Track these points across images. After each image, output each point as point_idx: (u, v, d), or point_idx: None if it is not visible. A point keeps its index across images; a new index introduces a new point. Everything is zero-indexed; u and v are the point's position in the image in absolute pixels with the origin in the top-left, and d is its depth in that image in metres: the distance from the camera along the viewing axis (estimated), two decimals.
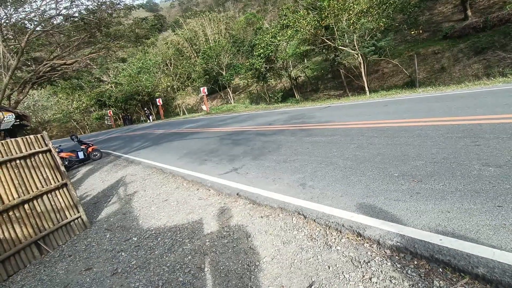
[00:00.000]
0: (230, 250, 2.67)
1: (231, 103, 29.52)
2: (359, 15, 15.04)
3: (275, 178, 4.20)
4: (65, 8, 10.03)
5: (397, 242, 2.11)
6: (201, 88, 24.31)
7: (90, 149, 10.53)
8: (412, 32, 19.32)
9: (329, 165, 4.14)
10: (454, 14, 20.52)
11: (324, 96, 21.72)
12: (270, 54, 21.56)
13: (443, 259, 1.84)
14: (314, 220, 2.76)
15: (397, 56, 18.80)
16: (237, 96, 33.61)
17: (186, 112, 34.01)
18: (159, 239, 3.28)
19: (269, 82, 26.46)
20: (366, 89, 15.54)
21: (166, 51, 39.38)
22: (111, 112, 37.08)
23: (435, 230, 2.14)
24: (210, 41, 39.23)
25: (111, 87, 39.14)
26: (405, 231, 2.20)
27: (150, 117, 34.77)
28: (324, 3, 15.10)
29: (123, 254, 3.18)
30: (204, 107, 26.69)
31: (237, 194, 3.98)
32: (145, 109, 36.14)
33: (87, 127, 42.40)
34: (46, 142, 4.02)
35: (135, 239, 3.43)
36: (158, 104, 31.24)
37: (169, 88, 35.00)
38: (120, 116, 40.30)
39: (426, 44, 18.99)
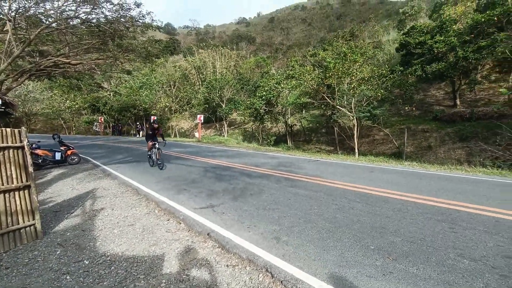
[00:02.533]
0: None
1: (224, 135, 29.68)
2: (360, 81, 15.96)
3: (251, 225, 4.04)
4: (84, 12, 10.32)
5: None
6: (198, 115, 24.55)
7: (69, 152, 10.15)
8: (406, 108, 20.49)
9: (307, 222, 4.03)
10: (445, 99, 22.00)
11: (315, 148, 22.11)
12: (272, 98, 22.27)
13: None
14: (281, 282, 2.58)
15: (389, 126, 19.63)
16: (232, 130, 33.92)
17: (178, 135, 33.88)
18: (112, 268, 3.00)
19: (265, 124, 26.98)
20: (356, 150, 15.93)
21: (173, 73, 40.33)
22: (102, 119, 36.60)
23: None
24: (217, 73, 40.56)
25: (110, 94, 39.16)
26: None
27: (140, 132, 34.40)
28: (330, 64, 16.02)
29: (68, 277, 2.87)
30: (196, 134, 26.71)
31: (208, 234, 3.78)
32: (137, 123, 35.86)
33: (74, 128, 41.47)
34: (22, 139, 3.82)
35: (87, 262, 3.13)
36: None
37: (166, 108, 35.19)
38: (110, 124, 39.77)
39: (417, 121, 19.99)
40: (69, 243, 3.67)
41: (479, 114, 17.21)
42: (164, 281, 2.72)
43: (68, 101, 36.49)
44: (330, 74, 15.96)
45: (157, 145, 9.20)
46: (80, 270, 2.97)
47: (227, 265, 2.99)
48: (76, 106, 37.37)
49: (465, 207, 4.51)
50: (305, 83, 17.97)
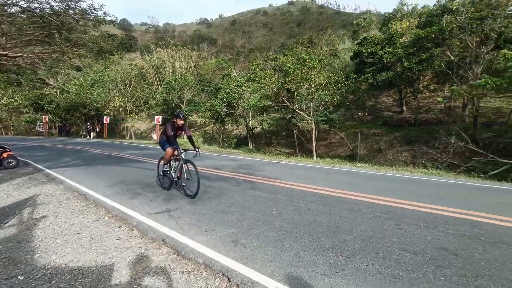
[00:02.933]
0: None
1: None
2: (318, 87, 16.63)
3: (209, 229, 3.96)
4: (24, 0, 9.29)
5: None
6: (156, 117, 23.65)
7: (5, 155, 9.10)
8: (359, 113, 21.78)
9: (265, 224, 4.06)
10: (393, 106, 23.85)
11: (276, 151, 22.51)
12: (233, 100, 22.24)
13: None
14: (238, 286, 2.55)
15: (344, 130, 20.70)
16: (192, 132, 33.15)
17: (133, 136, 32.26)
18: (53, 282, 2.73)
19: (226, 126, 26.83)
20: (314, 153, 16.53)
21: (128, 72, 38.33)
22: (47, 119, 33.41)
23: None
24: (177, 73, 39.46)
25: (56, 92, 36.01)
26: None
27: (91, 134, 32.10)
28: (290, 69, 16.47)
29: None
30: (154, 136, 25.70)
31: (163, 240, 3.62)
32: (88, 123, 33.40)
33: (12, 128, 37.33)
34: None
35: (21, 278, 2.80)
36: (104, 122, 29.27)
37: (121, 109, 33.33)
38: (57, 125, 36.55)
39: (369, 126, 21.37)
40: (1, 257, 3.27)
41: (421, 120, 18.91)
42: None
43: (5, 97, 32.64)
44: (289, 78, 16.40)
45: (184, 155, 5.80)
46: (12, 287, 2.66)
47: (182, 272, 2.89)
48: (15, 103, 33.58)
49: (409, 205, 4.90)
50: (266, 86, 18.25)
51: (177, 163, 5.96)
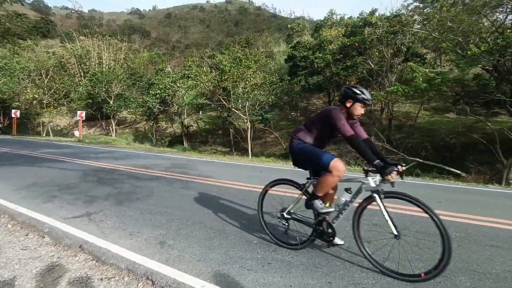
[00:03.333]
0: None
1: (111, 135, 26.62)
2: (254, 87, 17.01)
3: (134, 231, 3.71)
4: None
5: None
6: (79, 112, 21.28)
7: None
8: (293, 113, 22.95)
9: (196, 224, 3.98)
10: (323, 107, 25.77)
11: (212, 149, 22.32)
12: (167, 97, 21.31)
13: None
14: None
15: (279, 130, 21.63)
16: (121, 130, 30.78)
17: (51, 133, 28.43)
18: None
19: (159, 124, 25.56)
20: (250, 152, 16.86)
21: (45, 60, 33.53)
22: None
23: None
24: (104, 65, 36.11)
25: None
26: None
27: None
28: (226, 67, 16.49)
29: None
30: (76, 133, 23.09)
31: (80, 246, 3.25)
32: None
33: None
34: None
35: None
36: (13, 116, 25.18)
37: (35, 101, 29.02)
38: None
39: None
40: None
41: None
42: None
43: None
44: (226, 77, 16.42)
45: (375, 180, 2.68)
46: None
47: (101, 279, 2.64)
48: None
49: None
50: (202, 84, 17.94)
51: (347, 196, 2.89)
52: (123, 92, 28.69)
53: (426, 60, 19.90)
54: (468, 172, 12.19)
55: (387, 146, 13.99)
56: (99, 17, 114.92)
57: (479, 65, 12.00)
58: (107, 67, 35.42)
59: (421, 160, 12.85)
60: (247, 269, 2.72)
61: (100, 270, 2.81)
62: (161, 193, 5.65)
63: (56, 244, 3.37)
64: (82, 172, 7.77)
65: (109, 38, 43.19)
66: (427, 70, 13.08)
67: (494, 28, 12.19)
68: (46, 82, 30.92)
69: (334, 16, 38.31)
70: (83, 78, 34.95)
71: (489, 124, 12.52)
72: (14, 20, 11.90)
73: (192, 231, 3.71)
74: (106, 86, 26.84)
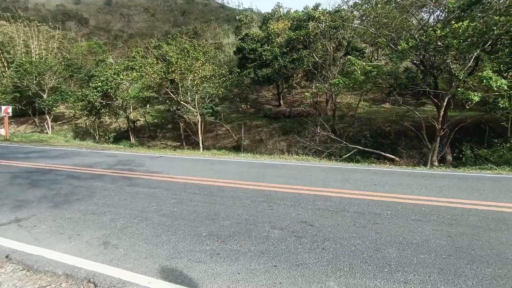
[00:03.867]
0: None
1: (47, 132, 24.01)
2: (203, 79, 16.66)
3: (73, 234, 3.47)
4: None
5: None
6: (3, 107, 18.79)
7: None
8: (243, 106, 23.06)
9: (143, 221, 3.85)
10: (273, 100, 26.35)
11: (161, 144, 21.48)
12: (110, 90, 19.83)
13: None
14: None
15: (230, 122, 21.58)
16: (59, 127, 27.92)
17: None
18: None
19: (102, 119, 23.72)
20: (201, 145, 16.61)
21: None
22: None
23: None
24: (34, 55, 32.16)
25: None
26: None
27: None
28: (173, 59, 15.87)
29: None
30: (2, 131, 20.35)
31: (7, 256, 2.95)
32: None
33: None
34: None
35: None
36: None
37: None
38: None
39: (252, 118, 22.95)
40: None
41: (295, 112, 21.60)
42: None
43: None
44: (173, 69, 15.77)
45: None
46: None
47: None
48: None
49: (281, 187, 5.56)
50: (147, 76, 17.03)
51: None
52: (58, 85, 25.92)
53: (365, 54, 21.44)
54: (401, 157, 13.60)
55: (331, 135, 14.89)
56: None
57: (408, 60, 13.35)
58: (37, 56, 31.54)
59: (361, 148, 13.95)
60: (196, 261, 2.74)
61: (32, 280, 2.59)
62: (105, 192, 5.32)
63: None
64: (10, 175, 6.95)
65: (38, 24, 38.48)
66: (364, 63, 14.13)
67: (420, 26, 13.61)
68: None
69: (281, 9, 38.96)
70: (7, 69, 30.71)
71: (417, 113, 14.05)
72: None
73: (139, 229, 3.59)
74: (37, 78, 23.93)
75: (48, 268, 2.71)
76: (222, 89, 17.95)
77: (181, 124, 20.41)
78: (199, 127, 17.07)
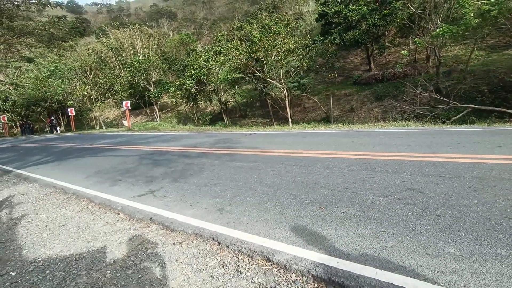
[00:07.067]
0: (134, 282, 2.42)
1: (156, 121, 28.21)
2: (286, 53, 16.50)
3: (194, 202, 4.09)
4: None
5: (301, 266, 2.24)
6: (124, 102, 22.74)
7: None
8: (330, 75, 22.00)
9: (248, 191, 4.24)
10: (362, 65, 24.24)
11: (252, 122, 22.59)
12: (202, 76, 21.69)
13: (338, 281, 2.02)
14: (228, 246, 2.74)
15: (317, 94, 20.99)
16: (164, 115, 32.37)
17: (103, 126, 31.02)
18: (47, 272, 2.78)
19: (199, 104, 26.34)
20: (289, 120, 16.78)
21: (86, 58, 35.92)
22: (5, 118, 31.14)
23: (334, 253, 2.35)
24: (139, 54, 37.49)
25: (9, 88, 33.33)
26: (309, 255, 2.35)
27: (58, 128, 30.37)
28: (256, 38, 16.13)
29: None
30: (125, 123, 24.90)
31: (150, 219, 3.71)
32: (52, 118, 31.54)
33: None
34: None
35: (14, 273, 2.83)
36: (69, 114, 27.77)
37: (85, 98, 31.59)
38: (17, 123, 34.22)
39: (340, 87, 21.75)
40: None
41: (389, 75, 19.45)
42: (108, 271, 2.64)
43: None
44: (257, 47, 16.11)
45: None
46: (6, 284, 2.69)
47: (174, 243, 3.03)
48: None
49: (381, 155, 5.24)
50: (234, 58, 17.86)
51: None
52: (160, 78, 29.77)
53: None
54: None
55: (436, 96, 12.89)
56: (126, 7, 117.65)
57: None
58: (142, 55, 36.79)
59: (476, 106, 11.70)
60: (302, 225, 2.91)
61: (171, 237, 3.21)
62: (211, 168, 6.02)
63: (130, 219, 3.88)
64: (138, 157, 8.50)
65: (139, 26, 44.35)
66: (479, 2, 11.46)
67: None
68: (91, 79, 33.31)
69: None
70: (122, 70, 36.81)
71: None
72: (56, 24, 12.88)
73: (246, 198, 3.97)
74: (144, 74, 28.06)
75: (181, 228, 3.30)
76: (307, 61, 17.45)
77: (268, 101, 20.94)
78: (287, 102, 17.20)
